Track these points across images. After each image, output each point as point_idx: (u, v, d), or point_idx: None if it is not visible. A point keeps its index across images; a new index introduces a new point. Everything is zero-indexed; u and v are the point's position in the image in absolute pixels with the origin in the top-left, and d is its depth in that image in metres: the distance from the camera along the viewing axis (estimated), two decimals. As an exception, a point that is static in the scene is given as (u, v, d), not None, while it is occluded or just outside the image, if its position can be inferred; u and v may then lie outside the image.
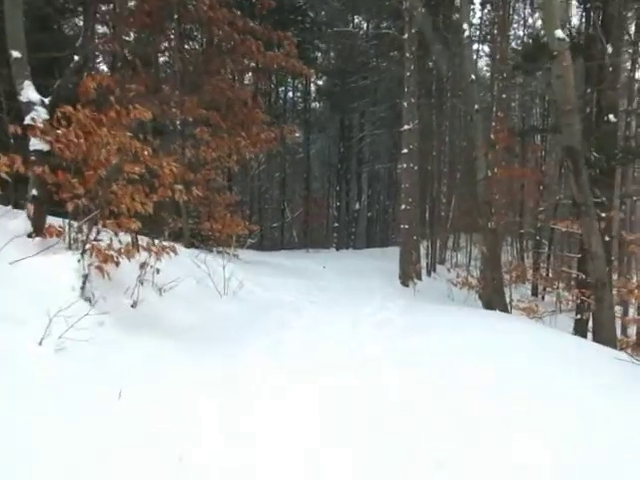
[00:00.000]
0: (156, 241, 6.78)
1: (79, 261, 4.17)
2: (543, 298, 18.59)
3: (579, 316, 10.46)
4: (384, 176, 34.89)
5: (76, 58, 5.24)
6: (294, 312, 6.86)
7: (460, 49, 10.69)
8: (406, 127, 12.57)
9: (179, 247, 9.33)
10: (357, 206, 28.51)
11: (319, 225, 32.09)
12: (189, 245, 9.74)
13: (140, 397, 2.96)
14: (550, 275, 17.98)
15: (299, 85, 27.48)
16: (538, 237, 19.13)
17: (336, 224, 26.32)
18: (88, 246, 4.37)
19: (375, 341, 5.07)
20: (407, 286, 12.48)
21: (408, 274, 12.70)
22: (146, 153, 4.35)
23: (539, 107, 27.45)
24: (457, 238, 28.43)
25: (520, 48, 16.77)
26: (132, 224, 4.58)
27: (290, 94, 28.11)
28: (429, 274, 17.07)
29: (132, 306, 5.24)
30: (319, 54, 25.64)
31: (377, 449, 2.77)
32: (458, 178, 23.93)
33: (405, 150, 12.56)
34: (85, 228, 4.46)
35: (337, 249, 25.23)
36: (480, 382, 3.73)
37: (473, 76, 9.29)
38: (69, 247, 4.77)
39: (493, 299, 9.05)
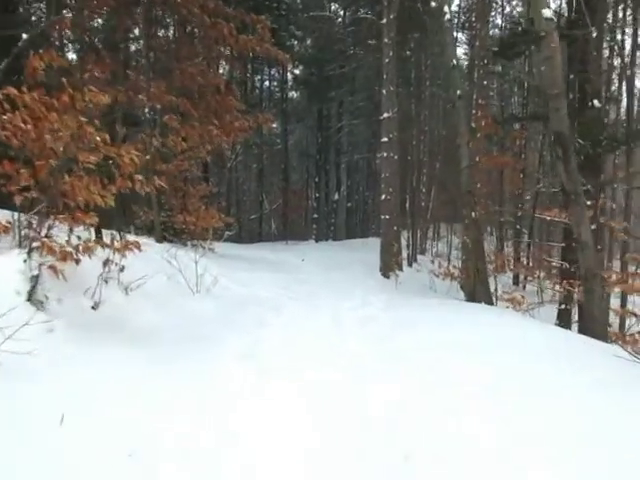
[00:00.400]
0: (121, 236, 6.35)
1: (25, 261, 3.72)
2: (524, 287, 18.52)
3: (563, 306, 10.30)
4: (363, 166, 34.58)
5: (24, 36, 4.75)
6: (271, 309, 6.50)
7: (440, 35, 10.38)
8: (385, 115, 12.22)
9: (150, 242, 8.90)
10: (336, 197, 28.13)
11: (298, 216, 31.68)
12: (161, 239, 9.27)
13: (88, 421, 2.55)
14: (531, 264, 17.90)
15: (276, 74, 26.93)
16: (518, 226, 19.03)
17: (315, 215, 25.93)
18: (37, 243, 3.92)
19: (359, 339, 4.74)
20: (388, 278, 12.20)
21: (389, 266, 12.41)
22: (99, 139, 3.90)
23: (517, 96, 27.43)
24: (437, 228, 28.35)
25: (499, 36, 16.55)
26: (89, 218, 4.14)
27: (267, 83, 27.56)
28: (410, 265, 16.84)
29: (93, 308, 4.81)
30: (295, 42, 25.09)
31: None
32: (438, 167, 23.72)
33: (385, 139, 12.22)
34: (34, 223, 4.01)
35: (316, 241, 24.88)
36: (471, 380, 3.43)
37: (455, 61, 8.98)
38: (19, 245, 4.32)
39: (478, 290, 8.80)
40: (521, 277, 18.40)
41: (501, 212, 17.58)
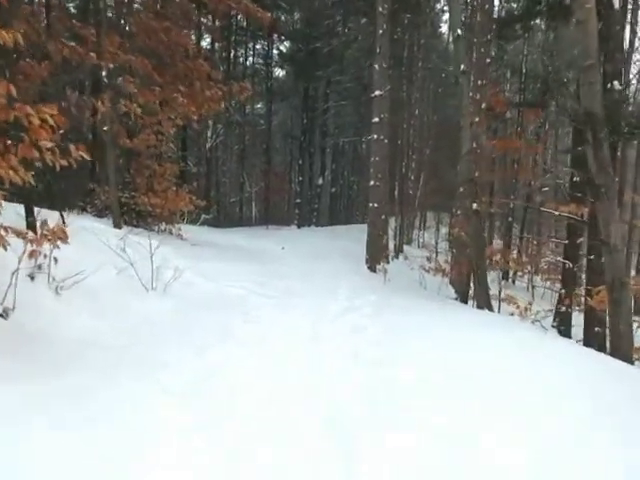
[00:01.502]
0: (64, 220, 5.19)
1: None
2: (514, 282, 17.78)
3: (564, 309, 9.44)
4: (348, 151, 33.45)
5: None
6: (241, 313, 5.44)
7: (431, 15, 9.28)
8: (377, 93, 11.13)
9: (105, 227, 7.73)
10: (320, 181, 27.00)
11: (280, 200, 30.49)
12: (119, 223, 8.10)
13: None
14: (524, 259, 17.11)
15: (260, 50, 25.49)
16: (510, 218, 18.17)
17: (298, 200, 24.79)
18: None
19: (346, 365, 3.72)
20: (375, 271, 11.22)
21: (376, 258, 11.43)
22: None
23: (510, 83, 26.49)
24: (424, 217, 27.47)
25: (506, 9, 15.47)
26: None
27: (251, 59, 26.08)
28: (397, 256, 15.89)
29: (1, 316, 3.72)
30: (282, 15, 23.68)
31: None
32: (427, 154, 22.76)
33: (376, 119, 11.13)
34: None
35: (299, 226, 23.83)
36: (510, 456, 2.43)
37: (459, 31, 7.91)
38: None
39: (476, 291, 7.86)
40: (510, 273, 17.65)
41: (491, 203, 16.62)
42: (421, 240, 23.83)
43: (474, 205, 7.96)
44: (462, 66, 8.05)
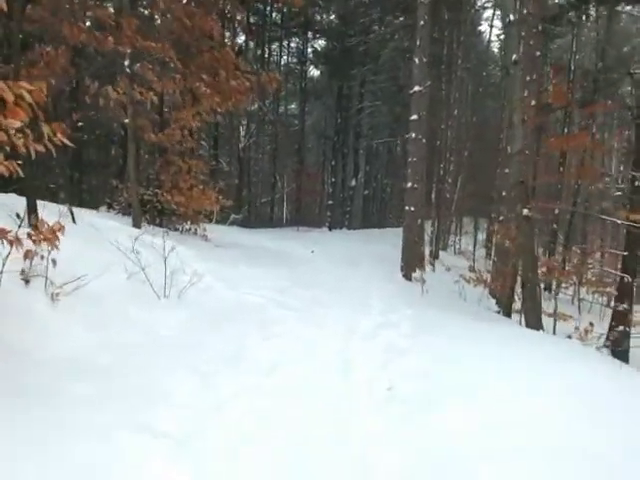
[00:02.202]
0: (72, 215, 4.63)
1: None
2: (557, 295, 16.65)
3: (621, 328, 8.50)
4: (382, 152, 32.65)
5: None
6: (260, 327, 4.83)
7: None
8: (416, 89, 10.39)
9: (122, 226, 7.24)
10: (353, 183, 26.32)
11: (312, 202, 29.92)
12: (139, 222, 7.60)
13: None
14: (568, 268, 15.97)
15: (295, 48, 24.97)
16: (555, 225, 17.07)
17: (330, 201, 24.14)
18: None
19: (380, 409, 3.03)
20: (410, 280, 10.47)
21: (412, 266, 10.68)
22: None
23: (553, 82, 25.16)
24: (460, 222, 26.44)
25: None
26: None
27: (285, 58, 25.59)
28: (433, 263, 15.05)
29: (-24, 329, 3.19)
30: (317, 12, 23.10)
31: None
32: (465, 156, 21.80)
33: (414, 117, 10.39)
34: None
35: (330, 229, 23.21)
36: None
37: (512, 16, 7.12)
38: None
39: (526, 308, 7.05)
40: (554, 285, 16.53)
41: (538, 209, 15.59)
42: (457, 246, 22.83)
43: (525, 211, 7.16)
44: (514, 56, 7.29)
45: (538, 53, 10.32)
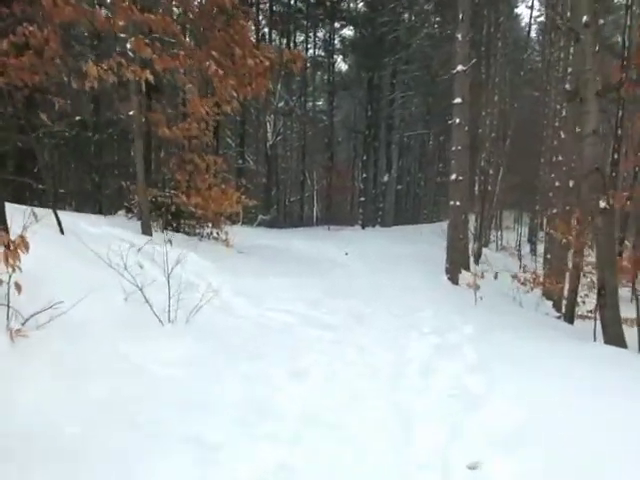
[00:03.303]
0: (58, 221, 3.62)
1: None
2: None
3: None
4: (415, 146, 31.25)
5: None
6: (288, 359, 3.81)
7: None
8: (460, 68, 9.20)
9: (125, 233, 6.29)
10: (386, 178, 25.07)
11: (343, 199, 28.80)
12: (148, 229, 6.67)
13: None
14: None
15: (322, 38, 23.80)
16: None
17: (362, 198, 22.96)
18: None
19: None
20: (456, 283, 9.30)
21: (458, 268, 9.51)
22: None
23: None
24: (500, 216, 24.95)
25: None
26: None
27: (311, 51, 24.40)
28: (477, 261, 13.80)
29: None
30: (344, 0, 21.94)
31: None
32: (507, 145, 20.34)
33: (458, 99, 9.21)
34: None
35: (363, 227, 22.08)
36: None
37: (582, -30, 5.90)
38: None
39: (607, 320, 5.82)
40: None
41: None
42: (500, 242, 21.39)
43: (602, 202, 5.93)
44: (584, 17, 6.06)
45: (601, 21, 8.99)
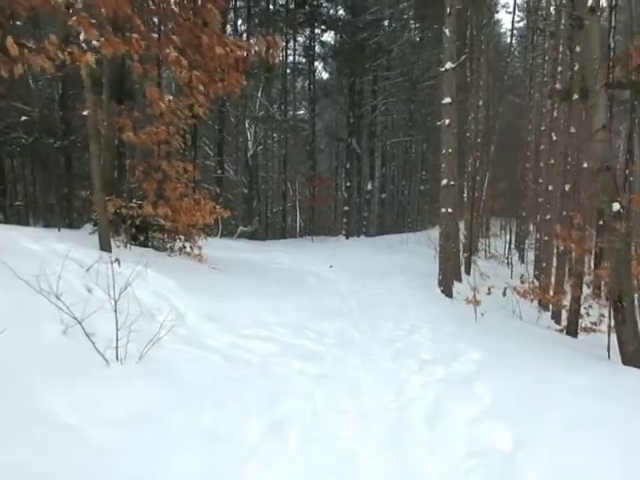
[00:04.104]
0: None
1: None
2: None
3: None
4: (398, 153, 30.78)
5: None
6: (265, 405, 3.06)
7: None
8: (448, 66, 8.61)
9: (77, 250, 5.48)
10: (369, 186, 24.50)
11: (326, 209, 28.09)
12: (107, 244, 5.88)
13: None
14: None
15: (302, 44, 23.22)
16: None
17: (346, 207, 22.30)
18: None
19: None
20: (451, 296, 8.64)
21: (452, 279, 8.85)
22: None
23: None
24: (487, 223, 24.48)
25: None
26: None
27: (291, 58, 23.77)
28: (467, 271, 13.19)
29: None
30: (324, 5, 21.41)
31: None
32: (492, 150, 19.94)
33: (447, 99, 8.60)
34: None
35: (347, 237, 21.38)
36: None
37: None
38: None
39: (624, 337, 5.17)
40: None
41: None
42: (487, 250, 20.87)
43: (615, 205, 5.31)
44: (590, 1, 5.46)
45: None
